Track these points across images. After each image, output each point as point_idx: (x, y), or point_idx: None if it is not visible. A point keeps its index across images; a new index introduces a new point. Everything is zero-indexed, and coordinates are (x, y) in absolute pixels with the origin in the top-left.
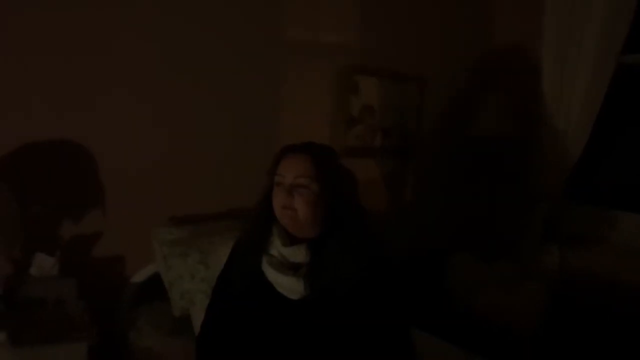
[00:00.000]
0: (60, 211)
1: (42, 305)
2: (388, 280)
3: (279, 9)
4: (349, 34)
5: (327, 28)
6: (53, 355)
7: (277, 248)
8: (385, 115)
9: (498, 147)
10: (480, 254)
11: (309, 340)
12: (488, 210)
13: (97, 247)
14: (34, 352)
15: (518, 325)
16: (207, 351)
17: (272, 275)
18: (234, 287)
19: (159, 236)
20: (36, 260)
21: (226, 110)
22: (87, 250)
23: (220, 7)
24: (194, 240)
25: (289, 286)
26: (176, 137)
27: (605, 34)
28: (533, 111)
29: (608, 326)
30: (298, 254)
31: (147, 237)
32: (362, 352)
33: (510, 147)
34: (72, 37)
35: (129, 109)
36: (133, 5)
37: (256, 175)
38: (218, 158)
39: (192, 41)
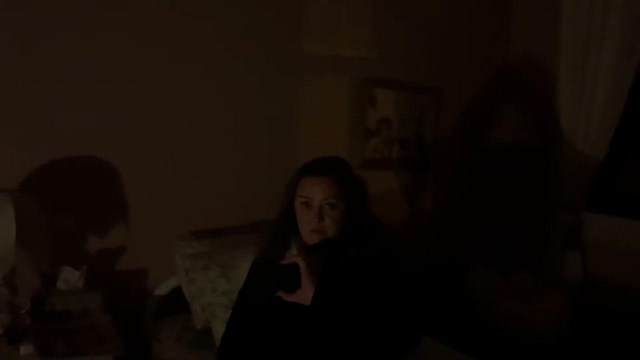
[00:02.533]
0: (86, 225)
1: (68, 317)
2: (401, 284)
3: (296, 23)
4: (365, 47)
5: (344, 41)
6: None
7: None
8: (402, 127)
9: (517, 157)
10: (500, 265)
11: (323, 345)
12: (508, 220)
13: (121, 260)
14: None
15: (539, 337)
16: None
17: None
18: (253, 300)
19: (181, 250)
20: (63, 273)
21: (246, 125)
22: (112, 263)
23: (237, 22)
24: (215, 254)
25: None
26: (197, 151)
27: (623, 42)
28: (552, 121)
29: (632, 336)
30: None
31: (169, 250)
32: (371, 356)
33: (530, 157)
34: (103, 57)
35: (152, 125)
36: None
37: (276, 189)
38: (238, 172)
39: (211, 56)
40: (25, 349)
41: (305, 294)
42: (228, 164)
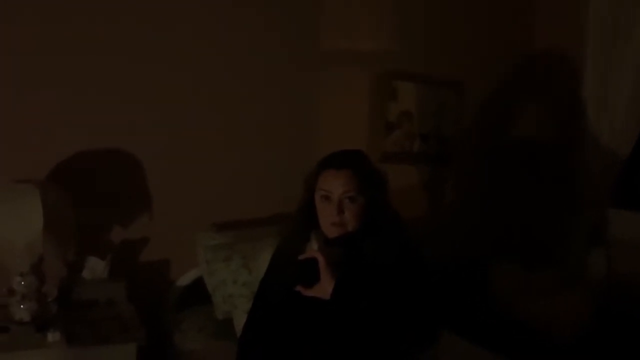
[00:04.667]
0: (111, 217)
1: (94, 306)
2: (420, 279)
3: (316, 16)
4: (386, 40)
5: (364, 35)
6: (104, 355)
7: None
8: (423, 121)
9: (540, 152)
10: (523, 262)
11: (342, 339)
12: (530, 217)
13: (145, 251)
14: (87, 351)
15: (560, 335)
16: (247, 353)
17: None
18: (274, 292)
19: (203, 241)
20: (88, 263)
21: (267, 119)
22: (135, 254)
23: (255, 17)
24: (237, 245)
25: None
26: (220, 145)
27: None
28: (576, 115)
29: None
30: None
31: (191, 242)
32: (390, 350)
33: (553, 152)
34: (128, 48)
35: (176, 118)
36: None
37: (297, 182)
38: (260, 165)
39: (232, 52)
40: (52, 337)
41: (324, 289)
42: (250, 157)
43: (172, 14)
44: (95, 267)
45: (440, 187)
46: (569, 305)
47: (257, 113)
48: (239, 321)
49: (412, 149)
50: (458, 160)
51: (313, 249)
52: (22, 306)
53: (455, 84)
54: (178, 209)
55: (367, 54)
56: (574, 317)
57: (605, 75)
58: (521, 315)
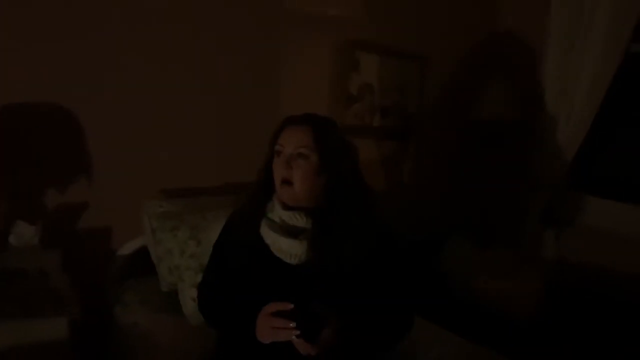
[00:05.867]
0: (45, 178)
1: (22, 276)
2: (393, 255)
3: None
4: (352, 6)
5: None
6: (33, 330)
7: (277, 212)
8: (385, 94)
9: (499, 132)
10: (478, 239)
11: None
12: (486, 195)
13: (83, 218)
14: (12, 325)
15: (514, 311)
16: (207, 306)
17: (272, 238)
18: (232, 250)
19: (149, 209)
20: (16, 228)
21: (221, 81)
22: (73, 221)
23: None
24: (186, 214)
25: (289, 250)
26: (171, 105)
27: (614, 21)
28: (536, 98)
29: (603, 313)
30: (298, 219)
31: (136, 209)
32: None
33: (512, 133)
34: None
35: (121, 75)
36: None
37: (253, 150)
38: (214, 131)
39: (187, 10)
40: None
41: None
42: (203, 121)
43: None
44: (23, 232)
45: (399, 163)
46: (522, 282)
47: (213, 73)
48: (185, 294)
49: (372, 123)
50: (418, 136)
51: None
52: None
53: (419, 59)
54: (122, 173)
55: (332, 19)
56: (527, 294)
57: (566, 59)
58: (475, 292)
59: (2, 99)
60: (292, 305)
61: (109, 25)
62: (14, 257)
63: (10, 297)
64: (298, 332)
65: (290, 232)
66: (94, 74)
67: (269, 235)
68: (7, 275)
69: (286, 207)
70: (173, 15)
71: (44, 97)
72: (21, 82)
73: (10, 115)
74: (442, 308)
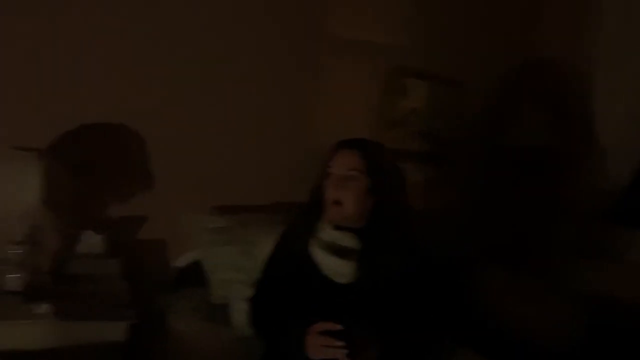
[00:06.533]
0: (110, 192)
1: (87, 281)
2: (434, 277)
3: (327, 3)
4: (394, 32)
5: (373, 25)
6: (94, 331)
7: (327, 232)
8: (426, 119)
9: (538, 159)
10: (510, 266)
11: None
12: (522, 221)
13: (143, 229)
14: (76, 326)
15: (543, 341)
16: (258, 320)
17: (321, 257)
18: (282, 267)
19: (202, 223)
20: (84, 237)
21: (269, 103)
22: (133, 232)
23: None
24: (237, 230)
25: (338, 269)
26: (223, 128)
27: None
28: (578, 125)
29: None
30: (347, 239)
31: (190, 223)
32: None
33: (551, 160)
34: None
35: (181, 98)
36: None
37: (297, 171)
38: (265, 151)
39: (234, 33)
40: (40, 308)
41: None
42: (251, 142)
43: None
44: (91, 241)
45: (436, 186)
46: (554, 312)
47: (259, 98)
48: (235, 307)
49: (412, 147)
50: (455, 160)
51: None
52: (13, 275)
53: (458, 84)
54: (179, 189)
55: (376, 45)
56: (558, 324)
57: (612, 87)
58: (506, 321)
59: (77, 118)
60: (339, 326)
61: (164, 46)
62: (80, 264)
63: (75, 300)
64: (347, 352)
65: (340, 252)
66: (157, 96)
67: (318, 255)
68: (73, 279)
69: (336, 227)
70: (218, 43)
71: (112, 118)
72: (94, 102)
73: (83, 132)
74: (469, 332)
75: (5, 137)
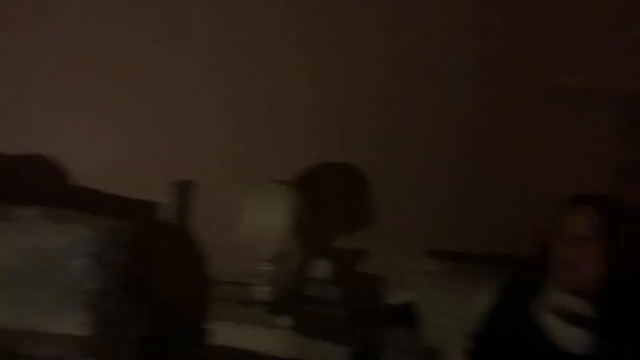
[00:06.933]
0: (338, 225)
1: (316, 303)
2: None
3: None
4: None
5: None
6: (320, 349)
7: (555, 294)
8: None
9: None
10: None
11: None
12: None
13: (363, 263)
14: (307, 341)
15: None
16: None
17: (551, 322)
18: (503, 325)
19: (421, 266)
20: (317, 265)
21: (494, 154)
22: (354, 263)
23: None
24: (455, 276)
25: (573, 338)
26: (450, 177)
27: None
28: None
29: None
30: (581, 305)
31: (404, 263)
32: None
33: None
34: None
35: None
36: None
37: (524, 222)
38: (490, 201)
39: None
40: (283, 321)
41: None
42: (475, 191)
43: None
44: (323, 268)
45: None
46: None
47: (476, 147)
48: (448, 354)
49: None
50: None
51: None
52: (264, 288)
53: None
54: (397, 228)
55: (609, 93)
56: None
57: None
58: None
59: (313, 156)
60: None
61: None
62: (312, 288)
63: (309, 318)
64: None
65: (571, 318)
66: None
67: (548, 319)
68: (307, 300)
69: (565, 290)
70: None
71: (342, 157)
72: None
73: (321, 168)
74: None
75: (257, 169)
